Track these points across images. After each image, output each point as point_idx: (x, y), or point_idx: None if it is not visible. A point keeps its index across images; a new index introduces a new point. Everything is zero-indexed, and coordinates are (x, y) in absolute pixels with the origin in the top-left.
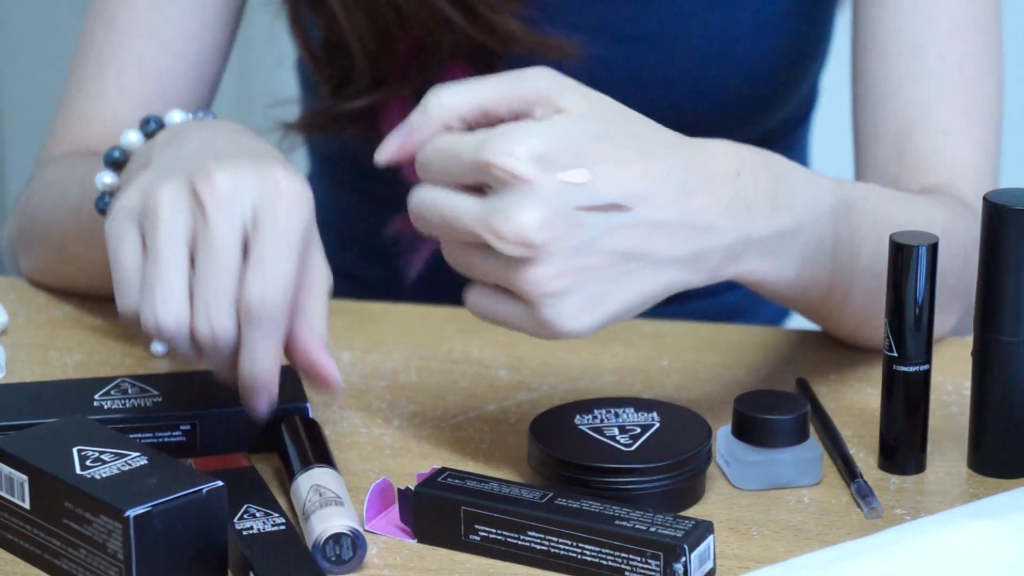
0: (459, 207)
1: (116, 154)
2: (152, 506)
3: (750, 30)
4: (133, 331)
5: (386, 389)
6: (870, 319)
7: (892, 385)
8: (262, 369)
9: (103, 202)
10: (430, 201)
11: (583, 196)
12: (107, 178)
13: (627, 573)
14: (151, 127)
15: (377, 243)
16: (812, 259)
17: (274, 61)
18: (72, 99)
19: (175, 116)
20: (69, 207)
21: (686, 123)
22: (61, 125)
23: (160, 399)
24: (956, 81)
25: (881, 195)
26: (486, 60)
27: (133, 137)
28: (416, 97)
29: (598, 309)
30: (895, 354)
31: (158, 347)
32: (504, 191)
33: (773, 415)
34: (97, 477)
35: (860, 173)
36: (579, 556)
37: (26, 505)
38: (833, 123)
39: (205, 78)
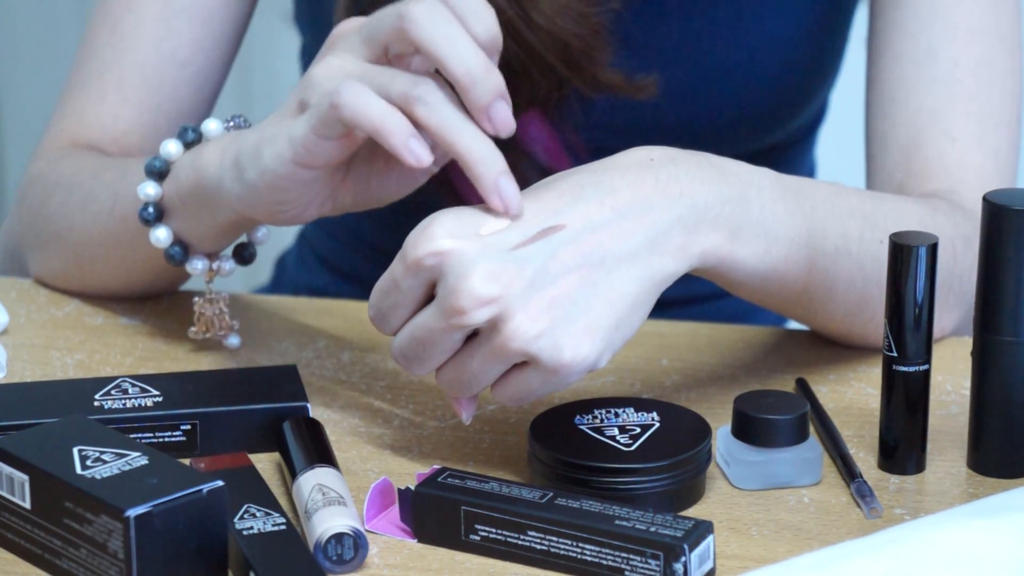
0: (421, 321)
1: (158, 164)
2: (152, 506)
3: (771, 44)
4: None
5: (386, 389)
6: (859, 312)
7: (892, 385)
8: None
9: (147, 212)
10: (403, 339)
11: (513, 236)
12: (150, 189)
13: (627, 573)
14: (189, 136)
15: (382, 245)
16: (772, 235)
17: (274, 60)
18: (73, 98)
19: (211, 125)
20: (96, 212)
21: (702, 134)
22: (59, 121)
23: (160, 399)
24: (969, 86)
25: (839, 187)
26: (559, 107)
27: (172, 147)
28: None
29: (594, 328)
30: (895, 354)
31: (234, 340)
32: (443, 276)
33: (773, 415)
34: (98, 477)
35: (869, 180)
36: (579, 556)
37: (27, 505)
38: (842, 133)
39: (207, 88)
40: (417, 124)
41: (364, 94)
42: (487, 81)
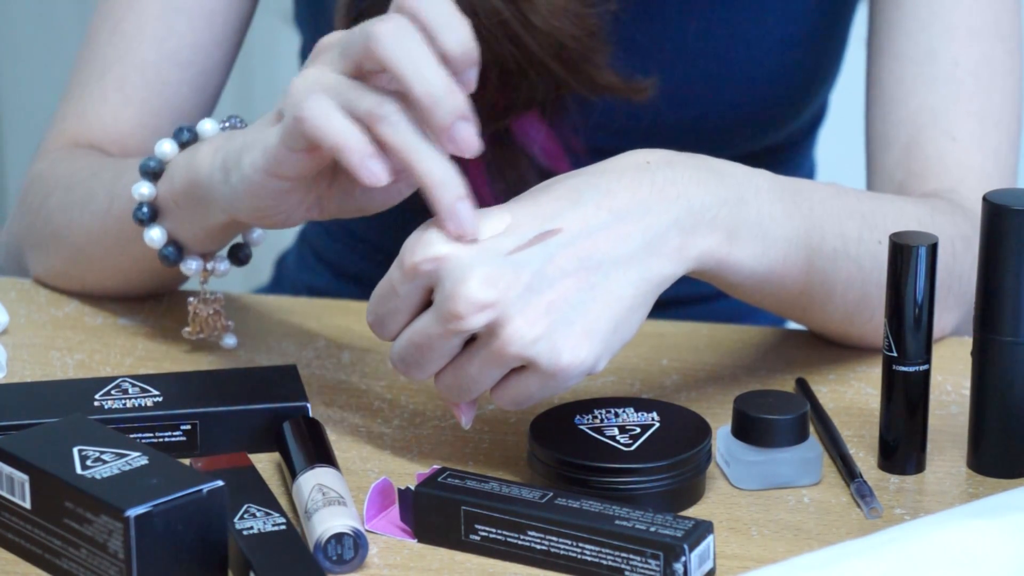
0: (419, 326)
1: (152, 164)
2: (153, 506)
3: (771, 46)
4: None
5: (386, 389)
6: (858, 313)
7: (892, 385)
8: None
9: (141, 212)
10: (401, 345)
11: (510, 240)
12: (144, 188)
13: (627, 573)
14: (185, 136)
15: (382, 245)
16: (770, 236)
17: (274, 60)
18: (74, 98)
19: (206, 125)
20: (94, 211)
21: (702, 135)
22: (60, 121)
23: (160, 399)
24: (969, 86)
25: (838, 188)
26: (557, 108)
27: (167, 147)
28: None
29: (592, 331)
30: (895, 354)
31: (230, 340)
32: (440, 282)
33: (773, 415)
34: (98, 477)
35: (870, 180)
36: (579, 556)
37: (27, 505)
38: (842, 133)
39: (208, 88)
40: (381, 143)
41: (327, 109)
42: (447, 102)
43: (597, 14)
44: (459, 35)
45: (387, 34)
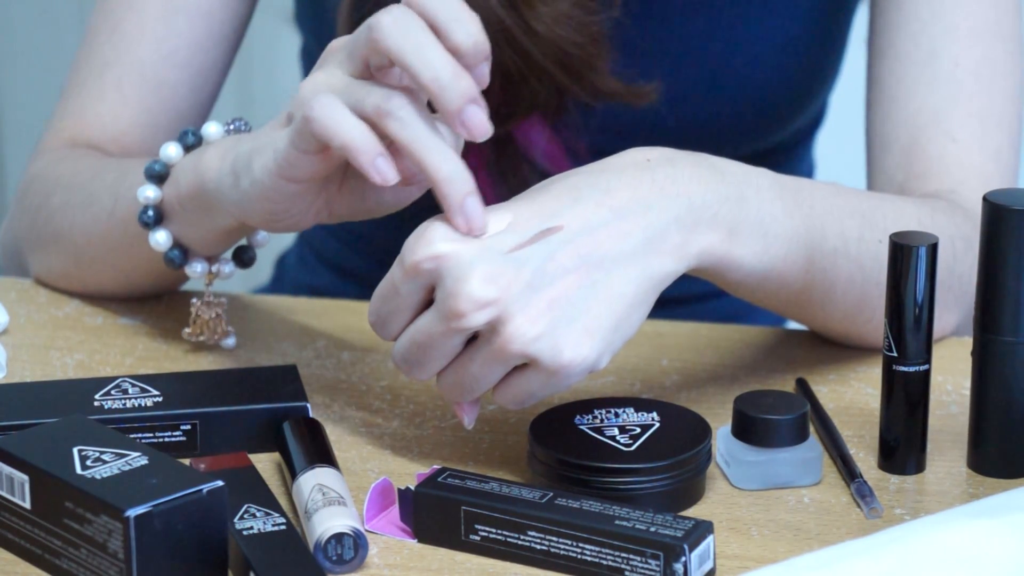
0: (421, 325)
1: (157, 167)
2: (152, 506)
3: (772, 48)
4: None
5: (386, 389)
6: (859, 312)
7: (892, 385)
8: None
9: (147, 215)
10: (403, 344)
11: (510, 238)
12: (149, 192)
13: (627, 573)
14: (190, 139)
15: (383, 244)
16: (770, 234)
17: (274, 61)
18: (72, 97)
19: (211, 128)
20: (96, 213)
21: (703, 136)
22: (59, 120)
23: (160, 399)
24: (970, 87)
25: (838, 187)
26: (559, 112)
27: (173, 151)
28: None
29: (593, 329)
30: (895, 354)
31: (229, 341)
32: (442, 280)
33: (773, 415)
34: (97, 477)
35: (870, 181)
36: (579, 556)
37: (27, 505)
38: (842, 134)
39: (206, 88)
40: (390, 139)
41: (335, 109)
42: (456, 86)
43: (600, 21)
44: (469, 28)
45: (390, 24)
